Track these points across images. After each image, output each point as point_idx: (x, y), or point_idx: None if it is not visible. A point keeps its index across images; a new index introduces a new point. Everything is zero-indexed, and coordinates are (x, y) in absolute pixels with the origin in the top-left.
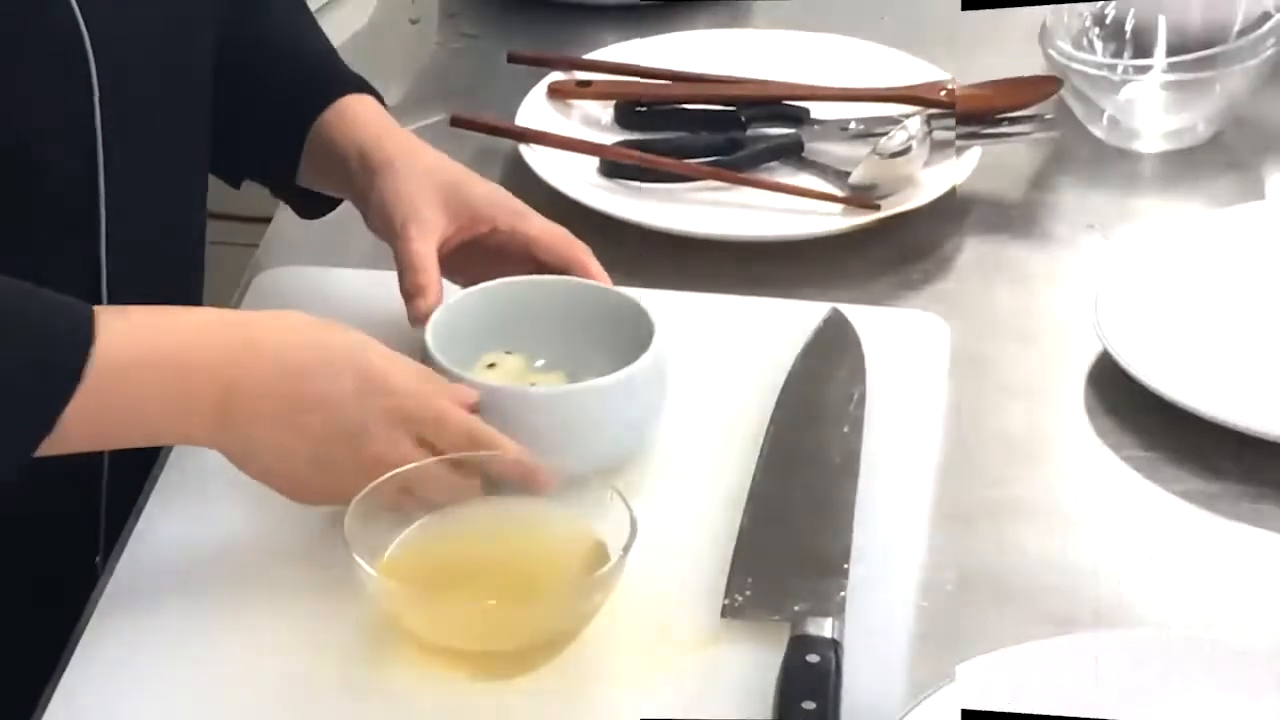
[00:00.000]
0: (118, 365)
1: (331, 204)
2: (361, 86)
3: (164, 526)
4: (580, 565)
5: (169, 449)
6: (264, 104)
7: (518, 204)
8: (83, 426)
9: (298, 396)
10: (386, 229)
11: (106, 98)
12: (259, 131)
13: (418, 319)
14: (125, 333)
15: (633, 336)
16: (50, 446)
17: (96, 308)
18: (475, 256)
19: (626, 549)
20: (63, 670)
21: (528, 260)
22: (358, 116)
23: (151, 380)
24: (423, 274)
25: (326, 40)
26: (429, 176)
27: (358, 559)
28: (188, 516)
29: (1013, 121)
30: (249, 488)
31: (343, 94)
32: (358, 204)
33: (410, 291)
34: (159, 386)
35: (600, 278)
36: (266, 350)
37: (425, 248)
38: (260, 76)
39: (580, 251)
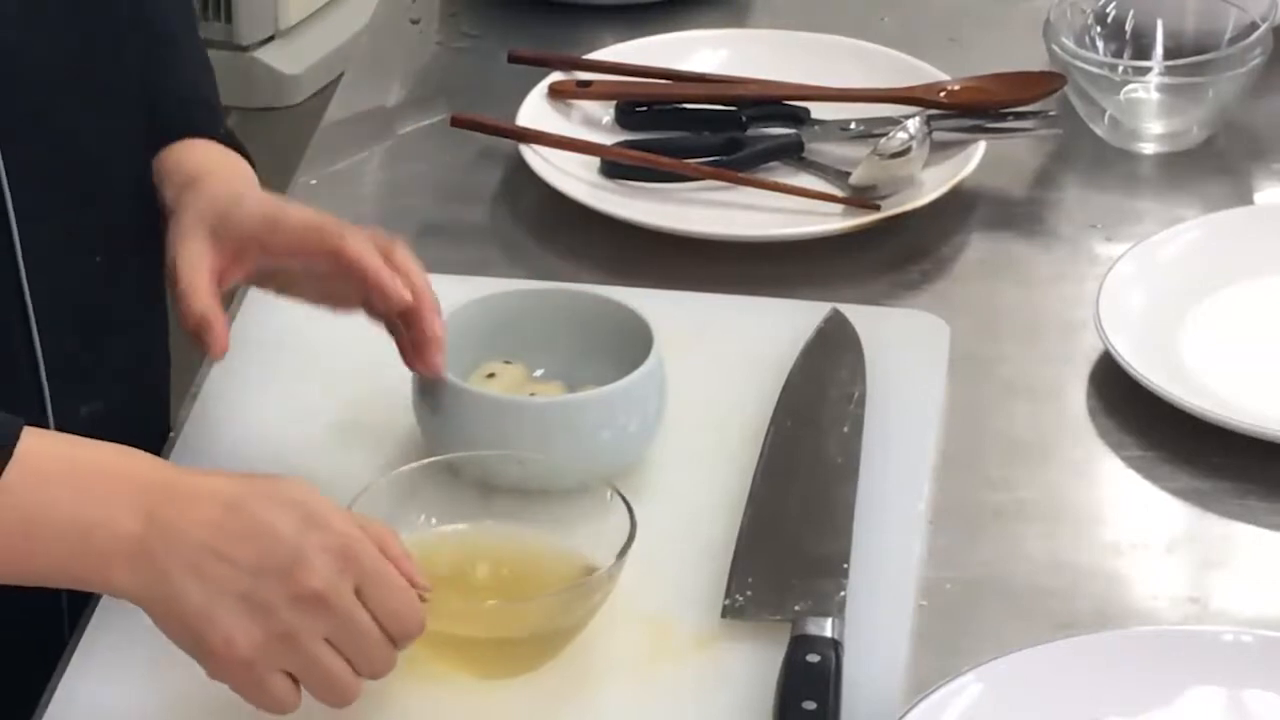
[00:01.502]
0: (38, 472)
1: None
2: (209, 132)
3: None
4: (578, 568)
5: None
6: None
7: (282, 215)
8: None
9: (230, 525)
10: (168, 284)
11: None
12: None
13: (196, 336)
14: (49, 445)
15: (631, 345)
16: None
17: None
18: (316, 281)
19: (624, 551)
20: (62, 672)
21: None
22: (175, 165)
23: (65, 497)
24: (190, 296)
25: (195, 85)
26: (202, 213)
27: None
28: None
29: (1017, 117)
30: None
31: (180, 137)
32: None
33: (184, 316)
34: (74, 500)
35: (365, 255)
36: (200, 481)
37: (192, 276)
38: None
39: (334, 240)
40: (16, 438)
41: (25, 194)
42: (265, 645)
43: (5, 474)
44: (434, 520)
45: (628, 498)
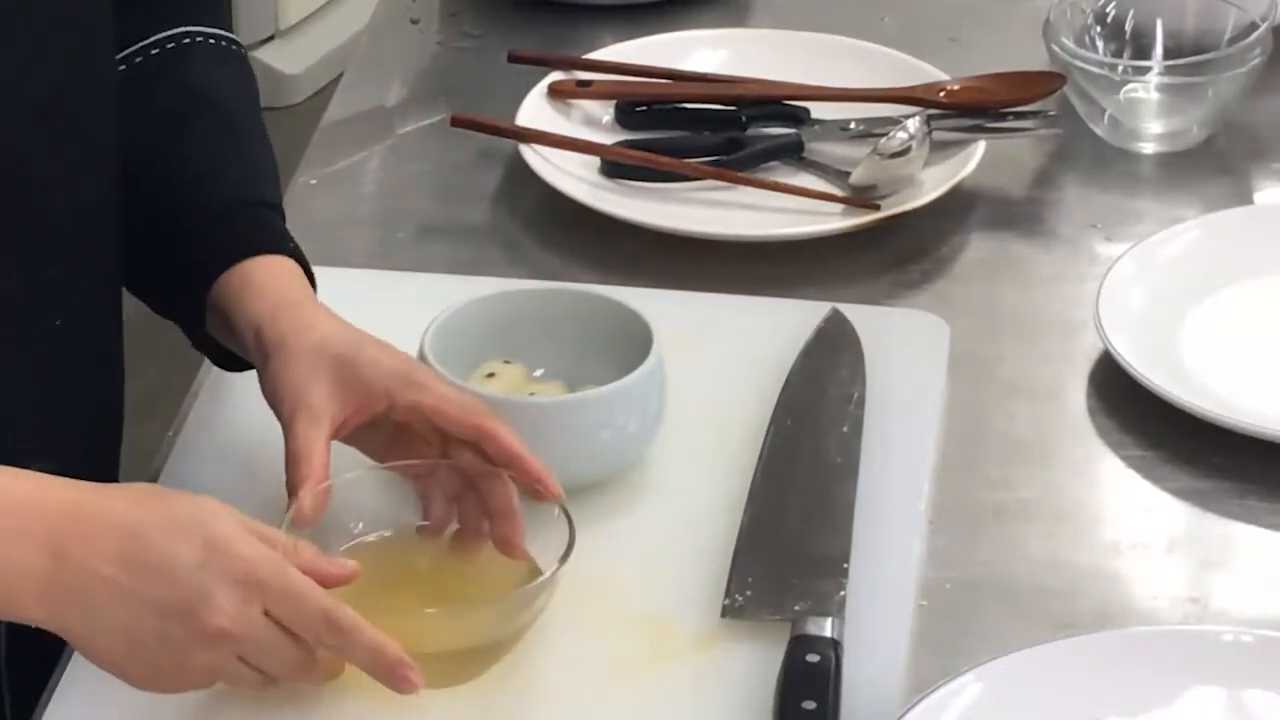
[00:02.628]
0: None
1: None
2: (271, 244)
3: None
4: (519, 579)
5: None
6: (166, 255)
7: (418, 373)
8: None
9: (135, 558)
10: (278, 412)
11: None
12: (162, 284)
13: (297, 517)
14: None
15: (631, 344)
16: None
17: None
18: (384, 432)
19: (562, 560)
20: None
21: (435, 432)
22: (260, 285)
23: None
24: (305, 464)
25: (260, 170)
26: (321, 355)
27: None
28: None
29: (1017, 116)
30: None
31: (246, 256)
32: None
33: (292, 485)
34: None
35: (514, 446)
36: (106, 507)
37: (311, 436)
38: (166, 222)
39: (486, 419)
40: None
41: None
42: (187, 675)
43: None
44: (373, 528)
45: (570, 513)
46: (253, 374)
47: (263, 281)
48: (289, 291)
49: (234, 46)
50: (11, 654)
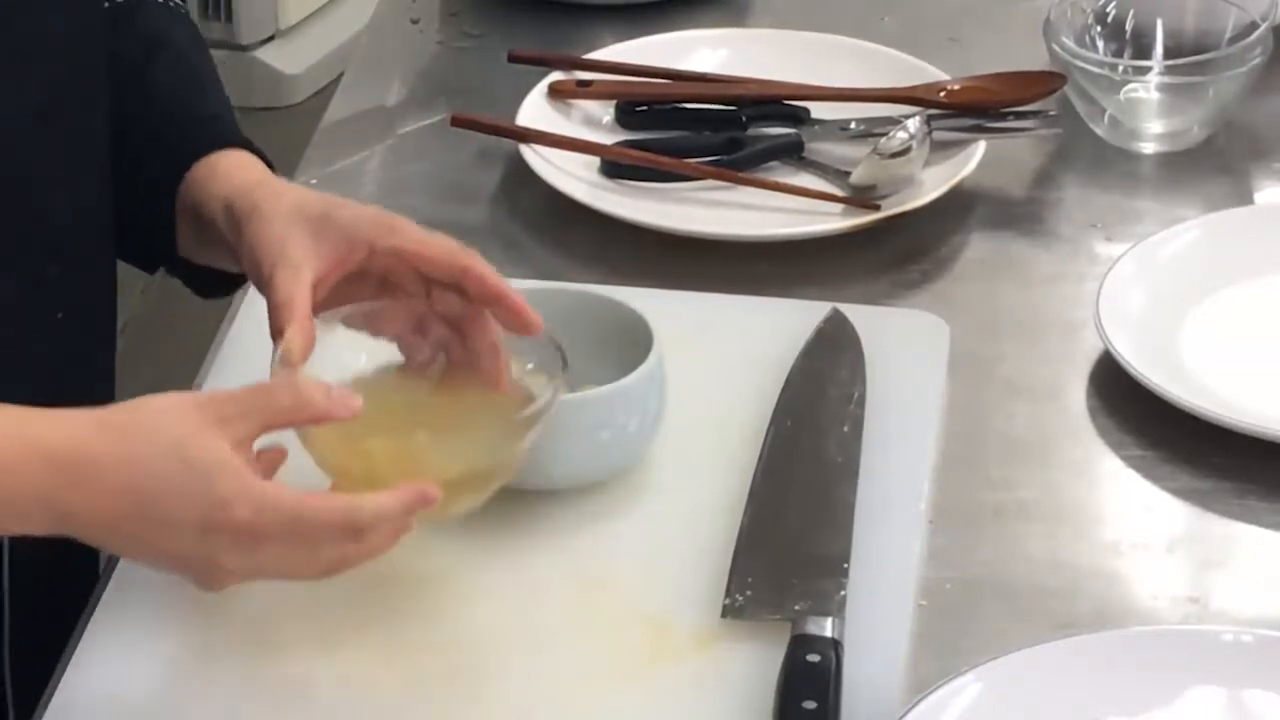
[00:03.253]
0: None
1: (232, 282)
2: (238, 143)
3: None
4: (513, 407)
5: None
6: (134, 175)
7: (396, 221)
8: None
9: (140, 519)
10: (257, 280)
11: None
12: (134, 204)
13: (286, 356)
14: None
15: (631, 344)
16: None
17: None
18: (368, 287)
19: (557, 389)
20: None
21: (418, 281)
22: (227, 170)
23: None
24: (286, 309)
25: (218, 99)
26: (296, 213)
27: None
28: None
29: (1017, 116)
30: None
31: (210, 150)
32: (236, 262)
33: (276, 329)
34: None
35: (496, 282)
36: (102, 461)
37: (292, 286)
38: (134, 145)
39: (466, 257)
40: None
41: None
42: (222, 585)
43: None
44: (374, 359)
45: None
46: (252, 373)
47: (230, 167)
48: (257, 173)
49: (181, 9)
50: (15, 642)
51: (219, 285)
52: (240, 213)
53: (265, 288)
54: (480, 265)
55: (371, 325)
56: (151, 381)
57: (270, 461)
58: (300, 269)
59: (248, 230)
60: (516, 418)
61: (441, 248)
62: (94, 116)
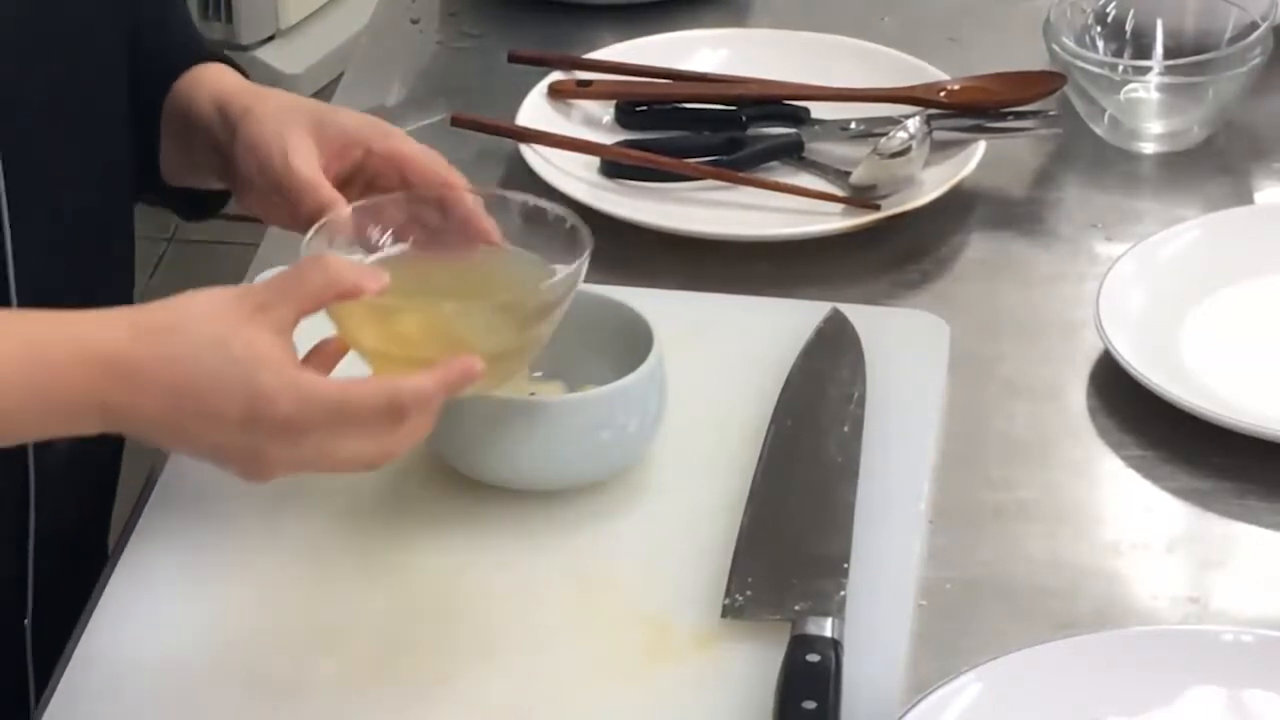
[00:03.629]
0: None
1: (217, 201)
2: (216, 57)
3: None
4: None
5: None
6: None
7: (389, 126)
8: None
9: (186, 413)
10: (261, 171)
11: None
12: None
13: (333, 226)
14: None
15: (631, 344)
16: None
17: None
18: (355, 189)
19: (582, 261)
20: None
21: (402, 186)
22: (212, 79)
23: (18, 378)
24: (315, 189)
25: (187, 20)
26: (293, 112)
27: None
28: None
29: (1017, 116)
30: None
31: (193, 64)
32: (228, 169)
33: (314, 212)
34: (27, 385)
35: (474, 212)
36: (146, 357)
37: (313, 167)
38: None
39: (453, 175)
40: None
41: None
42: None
43: None
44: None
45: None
46: None
47: (215, 76)
48: (242, 82)
49: None
50: (36, 616)
51: (198, 207)
52: (234, 113)
53: (275, 175)
54: (460, 184)
55: (373, 219)
56: None
57: (332, 353)
58: (312, 155)
59: (243, 128)
60: (544, 286)
61: (434, 158)
62: (105, 117)
